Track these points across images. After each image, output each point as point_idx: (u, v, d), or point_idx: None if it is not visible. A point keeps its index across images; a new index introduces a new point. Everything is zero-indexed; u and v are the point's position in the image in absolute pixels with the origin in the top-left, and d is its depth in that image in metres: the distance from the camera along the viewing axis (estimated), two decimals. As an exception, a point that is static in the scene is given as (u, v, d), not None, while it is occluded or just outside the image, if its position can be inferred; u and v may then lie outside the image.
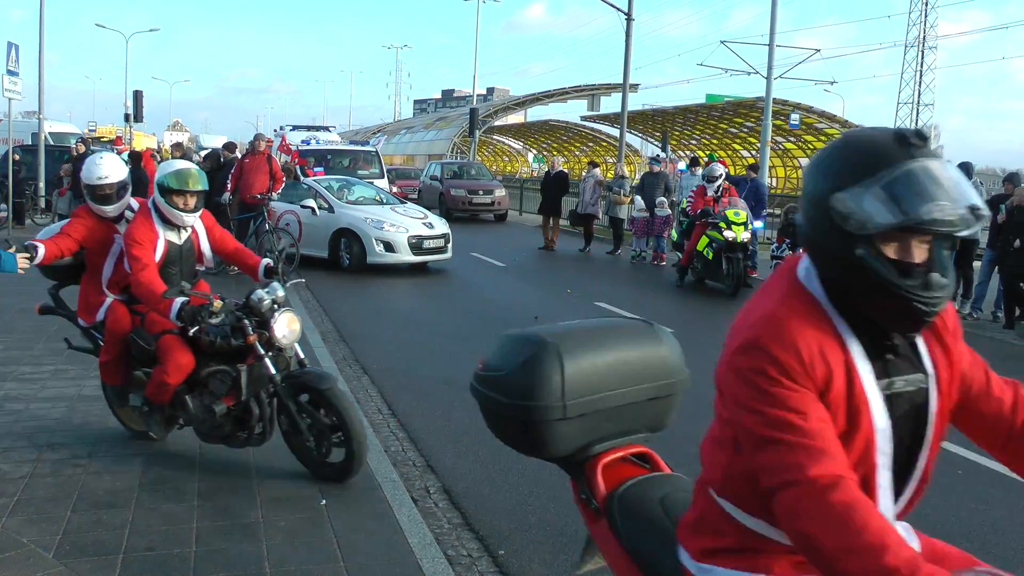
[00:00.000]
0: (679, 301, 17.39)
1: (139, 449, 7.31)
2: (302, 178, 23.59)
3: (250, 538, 5.76)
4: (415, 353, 11.74)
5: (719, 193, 18.50)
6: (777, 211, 25.72)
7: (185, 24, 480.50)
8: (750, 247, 18.56)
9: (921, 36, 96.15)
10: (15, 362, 10.02)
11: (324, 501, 6.36)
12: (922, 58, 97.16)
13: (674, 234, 21.34)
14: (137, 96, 42.26)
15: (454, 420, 8.80)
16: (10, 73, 23.83)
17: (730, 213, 17.73)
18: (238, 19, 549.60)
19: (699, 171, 22.88)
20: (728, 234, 17.39)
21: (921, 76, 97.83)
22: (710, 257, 17.88)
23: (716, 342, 10.15)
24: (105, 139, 40.33)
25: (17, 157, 25.17)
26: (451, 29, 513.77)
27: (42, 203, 26.97)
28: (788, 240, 19.94)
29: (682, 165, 30.19)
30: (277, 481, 6.74)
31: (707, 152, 50.29)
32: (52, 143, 31.86)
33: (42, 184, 27.00)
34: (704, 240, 18.00)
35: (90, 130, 63.55)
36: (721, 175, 18.95)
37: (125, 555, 5.45)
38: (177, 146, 21.46)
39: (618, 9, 33.42)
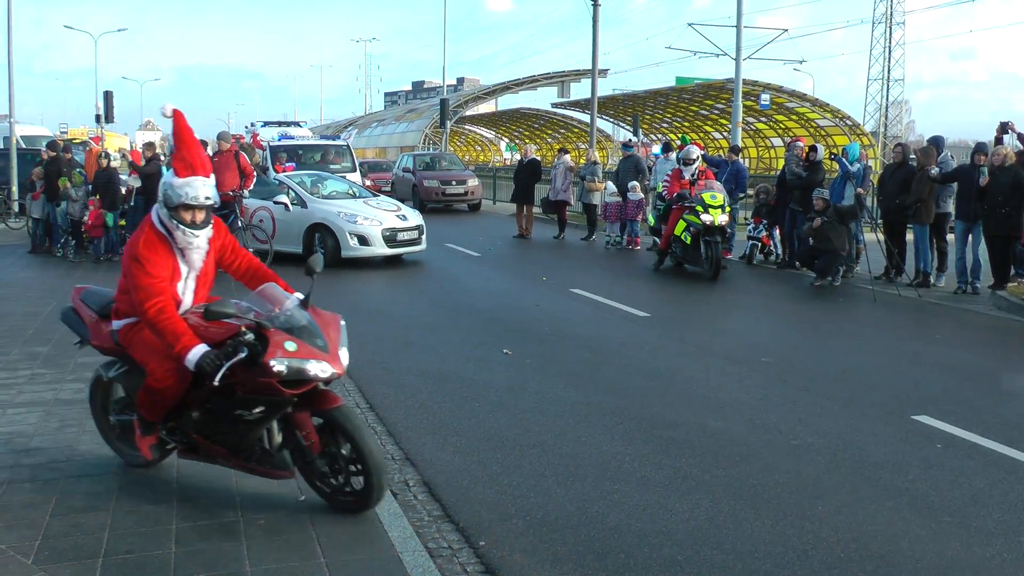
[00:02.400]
0: (657, 286, 17.38)
1: (115, 454, 7.26)
2: (271, 172, 23.51)
3: (230, 537, 5.74)
4: (391, 346, 11.71)
5: (695, 176, 18.46)
6: (751, 192, 25.76)
7: (153, 23, 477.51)
8: (728, 230, 18.53)
9: (888, 12, 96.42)
10: (-11, 368, 9.96)
11: (303, 497, 6.33)
12: (890, 34, 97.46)
13: (651, 219, 21.28)
14: (107, 97, 42.04)
15: (432, 412, 8.78)
16: (-22, 77, 23.71)
17: (707, 196, 17.62)
18: (205, 17, 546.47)
19: (672, 155, 22.87)
20: (706, 218, 17.28)
21: (890, 52, 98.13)
22: (688, 241, 17.79)
23: (697, 326, 10.18)
24: (77, 141, 40.02)
25: (-13, 162, 25.04)
26: (418, 20, 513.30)
27: (15, 207, 26.83)
28: (764, 221, 19.95)
29: (656, 149, 30.10)
30: (255, 478, 6.70)
31: (679, 135, 50.26)
32: (24, 146, 31.64)
33: (15, 188, 26.85)
34: (682, 224, 17.88)
35: (62, 132, 63.08)
36: (697, 158, 18.91)
37: (104, 558, 5.43)
38: (148, 145, 21.25)
39: (585, -5, 33.40)
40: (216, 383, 5.76)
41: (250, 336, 5.82)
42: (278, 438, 6.19)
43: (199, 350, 5.82)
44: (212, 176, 6.38)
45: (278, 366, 5.65)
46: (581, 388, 9.65)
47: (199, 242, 6.32)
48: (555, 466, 7.28)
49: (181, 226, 6.17)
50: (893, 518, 6.29)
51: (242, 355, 5.77)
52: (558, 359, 11.01)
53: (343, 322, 6.32)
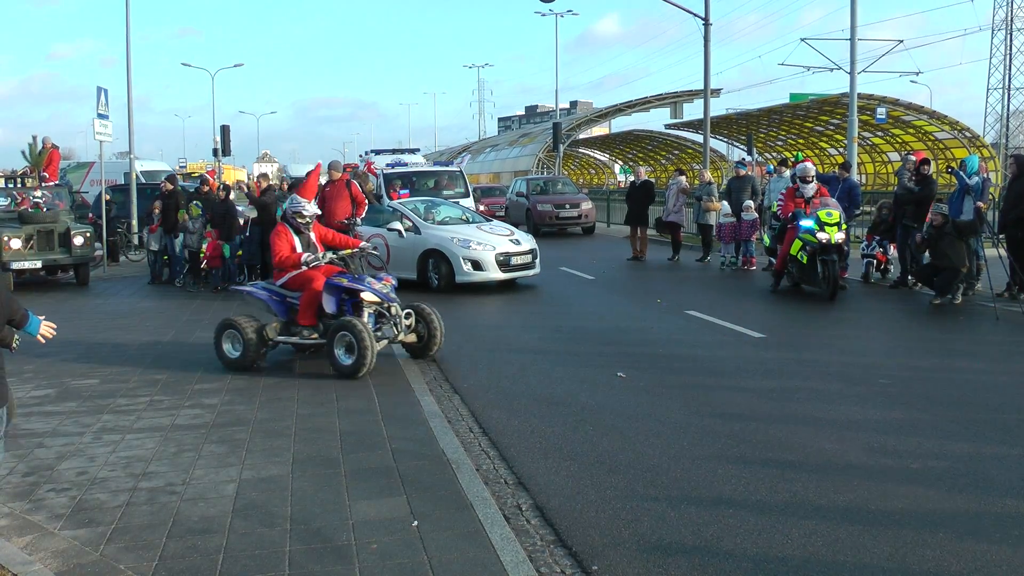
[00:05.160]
0: (773, 306, 17.09)
1: (232, 475, 7.38)
2: (385, 200, 23.76)
3: (342, 561, 5.76)
4: (505, 370, 11.70)
5: (813, 194, 18.04)
6: (868, 208, 25.15)
7: (268, 58, 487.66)
8: (845, 248, 18.11)
9: (1008, 18, 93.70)
10: (112, 395, 10.23)
11: (416, 522, 6.34)
12: (1010, 40, 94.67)
13: (766, 239, 20.93)
14: (224, 131, 43.04)
15: (545, 436, 8.72)
16: (100, 117, 24.43)
17: (822, 214, 17.13)
18: (318, 50, 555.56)
19: (787, 172, 22.53)
20: (821, 236, 16.86)
21: (1010, 60, 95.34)
22: (804, 261, 17.38)
23: (813, 347, 9.98)
24: (195, 175, 41.05)
25: (108, 197, 25.76)
26: (531, 45, 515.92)
27: (135, 240, 27.56)
28: (878, 237, 19.47)
29: (770, 167, 29.67)
30: (369, 503, 6.74)
31: (793, 152, 49.60)
32: (144, 181, 32.55)
33: (134, 222, 27.59)
34: (797, 244, 17.48)
35: (180, 166, 64.80)
36: (815, 175, 18.54)
37: (219, 582, 5.49)
38: (263, 176, 21.72)
39: (695, 15, 33.21)
40: None
41: None
42: None
43: None
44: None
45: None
46: (695, 411, 9.51)
47: None
48: (669, 489, 7.18)
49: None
50: (1020, 548, 6.02)
51: None
52: (672, 382, 10.89)
53: None
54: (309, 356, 12.28)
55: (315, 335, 11.86)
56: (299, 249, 12.12)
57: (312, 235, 12.41)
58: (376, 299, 11.74)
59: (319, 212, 12.69)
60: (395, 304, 11.91)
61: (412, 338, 12.20)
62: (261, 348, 11.84)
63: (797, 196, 18.09)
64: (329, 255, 12.27)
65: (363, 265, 17.60)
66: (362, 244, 13.02)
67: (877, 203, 21.88)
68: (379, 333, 11.80)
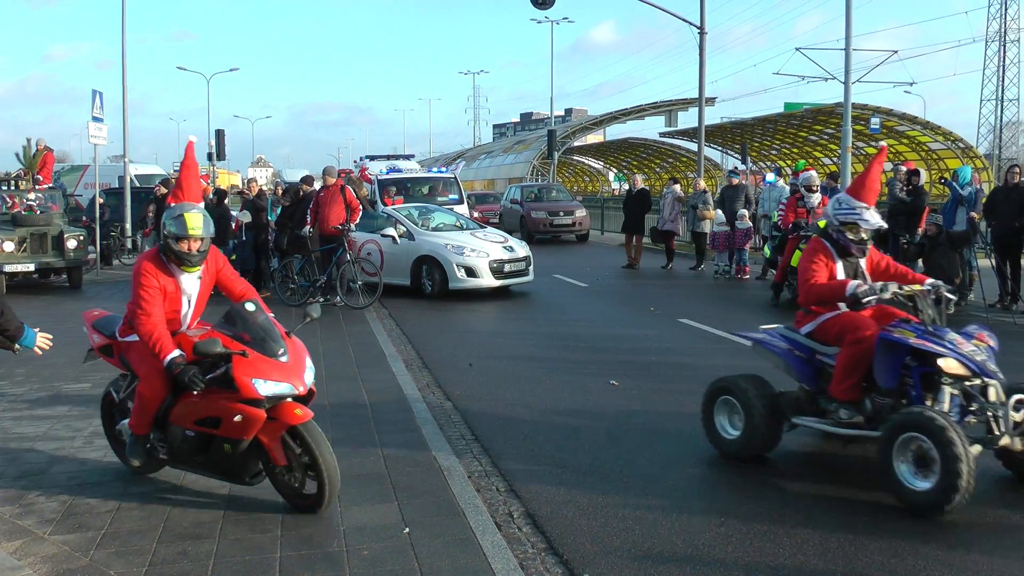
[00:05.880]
0: (768, 315, 16.85)
1: (223, 483, 7.34)
2: (380, 206, 23.74)
3: (333, 567, 5.75)
4: (498, 377, 11.67)
5: (817, 203, 17.85)
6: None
7: (264, 63, 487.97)
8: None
9: (1002, 30, 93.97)
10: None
11: (407, 529, 6.32)
12: (1004, 52, 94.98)
13: (766, 250, 20.84)
14: (219, 135, 43.00)
15: (538, 444, 8.71)
16: (95, 120, 24.37)
17: (823, 224, 16.95)
18: (314, 55, 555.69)
19: (780, 181, 22.51)
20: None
21: (1003, 71, 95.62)
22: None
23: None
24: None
25: (102, 200, 25.70)
26: (526, 52, 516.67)
27: (128, 244, 27.51)
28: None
29: (770, 177, 29.61)
30: (360, 509, 6.72)
31: (790, 162, 49.61)
32: (139, 185, 32.52)
33: (128, 226, 27.55)
34: (798, 254, 17.29)
35: (175, 170, 64.71)
36: (819, 185, 18.39)
37: (209, 588, 5.47)
38: (253, 180, 21.79)
39: (690, 23, 33.23)
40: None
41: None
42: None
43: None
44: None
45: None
46: (688, 419, 9.46)
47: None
48: (661, 498, 7.17)
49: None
50: (1011, 559, 6.05)
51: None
52: (665, 390, 10.88)
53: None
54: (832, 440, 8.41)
55: (858, 418, 7.61)
56: (841, 276, 8.06)
57: (862, 261, 8.23)
58: (965, 370, 7.10)
59: (884, 225, 8.39)
60: (995, 382, 7.17)
61: (1020, 445, 7.11)
62: (775, 429, 8.02)
63: (800, 206, 17.92)
64: (891, 289, 7.77)
65: (357, 271, 17.65)
66: (929, 281, 8.17)
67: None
68: (965, 428, 6.95)
